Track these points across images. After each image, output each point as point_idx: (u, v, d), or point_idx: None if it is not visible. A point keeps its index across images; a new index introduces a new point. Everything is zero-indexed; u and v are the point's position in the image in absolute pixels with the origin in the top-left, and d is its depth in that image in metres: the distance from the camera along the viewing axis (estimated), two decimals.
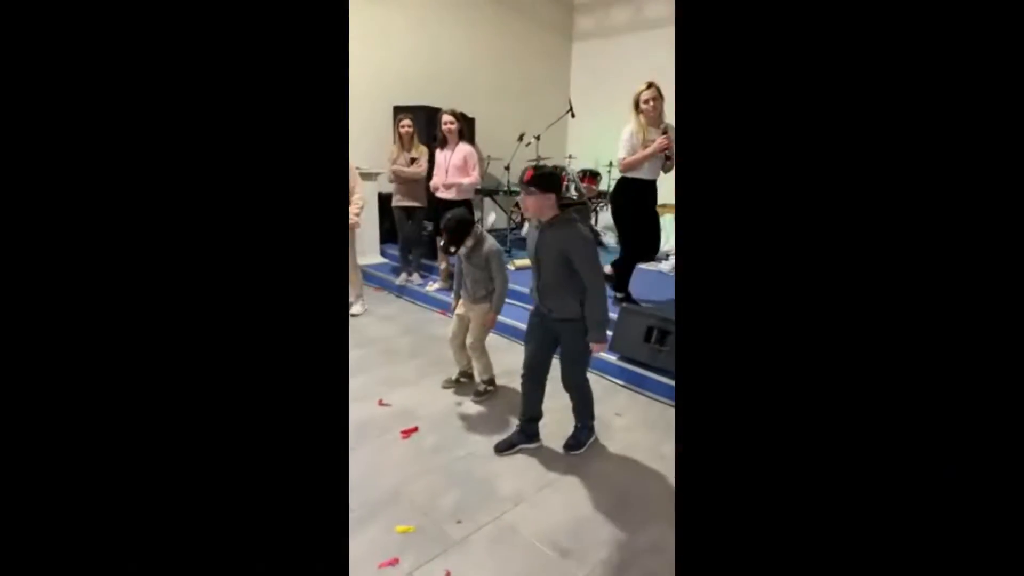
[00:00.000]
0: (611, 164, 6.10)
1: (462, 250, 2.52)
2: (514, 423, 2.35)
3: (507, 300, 3.87)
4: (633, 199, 3.37)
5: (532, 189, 1.88)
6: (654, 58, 5.89)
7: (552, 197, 1.91)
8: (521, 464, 2.15)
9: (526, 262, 4.64)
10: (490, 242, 2.51)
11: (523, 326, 3.50)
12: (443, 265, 4.22)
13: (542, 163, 2.00)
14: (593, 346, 2.00)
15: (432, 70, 5.72)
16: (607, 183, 6.03)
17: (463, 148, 3.83)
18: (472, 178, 3.85)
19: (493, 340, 2.71)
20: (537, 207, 1.91)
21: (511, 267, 4.48)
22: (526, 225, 5.41)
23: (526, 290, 3.98)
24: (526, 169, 1.91)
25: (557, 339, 2.09)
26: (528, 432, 2.24)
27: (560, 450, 2.24)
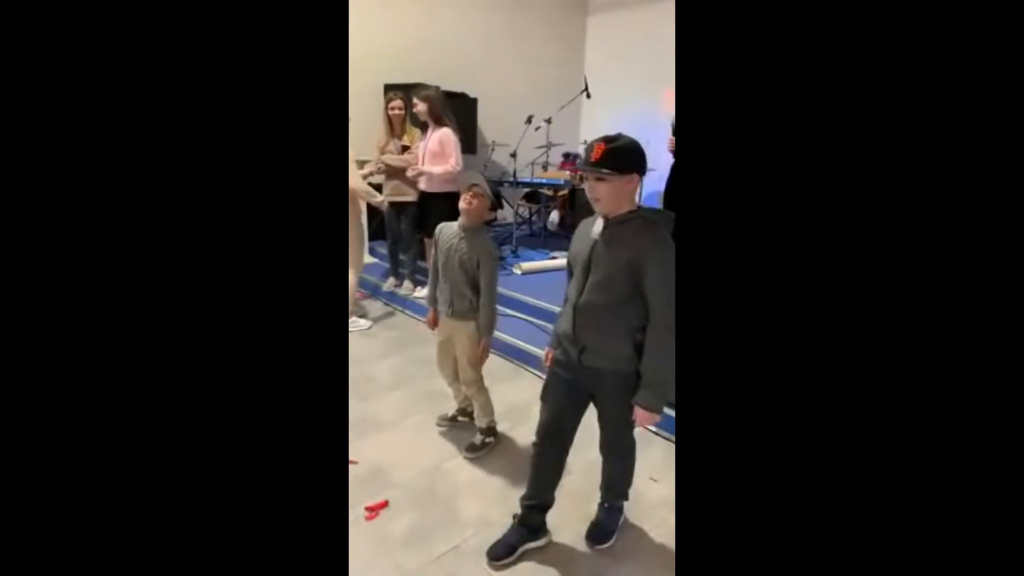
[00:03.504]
0: None
1: (450, 233, 1.91)
2: (521, 490, 1.75)
3: (510, 312, 3.32)
4: (670, 183, 2.88)
5: (605, 172, 1.26)
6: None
7: (635, 180, 1.31)
8: (527, 573, 1.54)
9: (537, 265, 4.02)
10: (488, 239, 1.90)
11: (530, 347, 2.90)
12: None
13: (619, 135, 1.34)
14: (639, 414, 1.36)
15: (427, 43, 5.07)
16: None
17: (438, 132, 3.31)
18: (449, 166, 3.29)
19: (491, 365, 2.10)
20: (614, 197, 1.30)
21: (516, 271, 3.86)
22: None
23: (534, 301, 3.43)
24: (594, 144, 1.28)
25: (589, 398, 1.48)
26: (532, 525, 1.60)
27: (573, 541, 1.63)
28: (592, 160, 1.27)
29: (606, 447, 1.58)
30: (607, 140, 1.27)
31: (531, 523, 1.60)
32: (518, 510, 1.62)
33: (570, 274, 1.50)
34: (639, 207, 1.35)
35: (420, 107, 3.28)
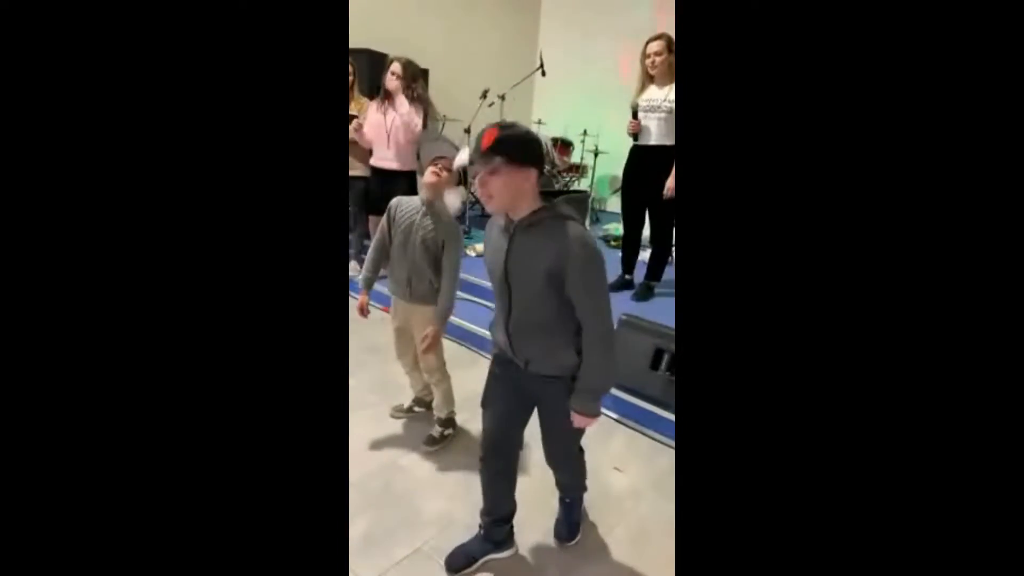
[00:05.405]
0: (585, 133, 5.40)
1: (410, 209, 1.75)
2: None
3: (465, 296, 3.19)
4: (629, 167, 2.94)
5: (498, 161, 1.07)
6: (638, 9, 5.17)
7: (532, 175, 1.12)
8: None
9: None
10: (450, 217, 1.76)
11: (486, 332, 2.83)
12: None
13: (513, 123, 1.18)
14: (576, 418, 1.23)
15: (377, 6, 4.76)
16: (579, 154, 5.32)
17: (410, 108, 3.13)
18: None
19: (447, 352, 1.98)
20: (507, 194, 1.12)
21: (470, 253, 3.74)
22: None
23: (490, 284, 3.27)
24: (485, 130, 1.10)
25: (534, 403, 1.35)
26: (494, 538, 1.48)
27: (538, 540, 1.57)
28: (484, 149, 1.07)
29: (552, 460, 1.44)
30: (500, 126, 1.09)
31: (494, 536, 1.48)
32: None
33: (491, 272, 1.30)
34: (543, 205, 1.15)
35: (395, 82, 3.04)
